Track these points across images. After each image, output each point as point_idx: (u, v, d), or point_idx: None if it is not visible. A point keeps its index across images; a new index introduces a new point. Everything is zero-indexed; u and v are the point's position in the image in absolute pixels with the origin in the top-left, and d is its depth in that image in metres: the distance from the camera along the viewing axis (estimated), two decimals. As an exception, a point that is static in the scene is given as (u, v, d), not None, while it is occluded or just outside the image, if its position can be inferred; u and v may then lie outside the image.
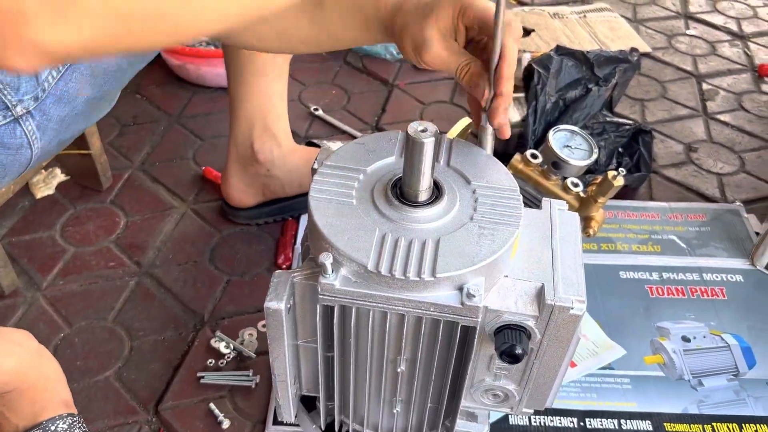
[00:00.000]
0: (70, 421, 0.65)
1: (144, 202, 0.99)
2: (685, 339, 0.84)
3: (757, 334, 0.85)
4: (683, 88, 1.29)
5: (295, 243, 0.94)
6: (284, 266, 0.90)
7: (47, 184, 1.00)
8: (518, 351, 0.51)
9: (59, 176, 1.02)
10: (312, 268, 0.53)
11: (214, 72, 1.16)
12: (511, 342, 0.51)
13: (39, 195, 0.99)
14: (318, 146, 1.02)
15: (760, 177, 1.09)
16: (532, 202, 0.82)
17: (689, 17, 1.51)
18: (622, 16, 1.48)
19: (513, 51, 0.55)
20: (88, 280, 0.89)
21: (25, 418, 0.64)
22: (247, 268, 0.91)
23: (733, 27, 1.48)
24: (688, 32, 1.46)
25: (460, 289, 0.49)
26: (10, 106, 0.60)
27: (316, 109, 1.18)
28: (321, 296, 0.50)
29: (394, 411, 0.60)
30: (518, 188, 0.55)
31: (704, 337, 0.84)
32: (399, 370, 0.55)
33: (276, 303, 0.51)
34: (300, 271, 0.53)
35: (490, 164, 0.57)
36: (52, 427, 0.64)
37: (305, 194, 0.93)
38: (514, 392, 0.59)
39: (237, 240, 0.94)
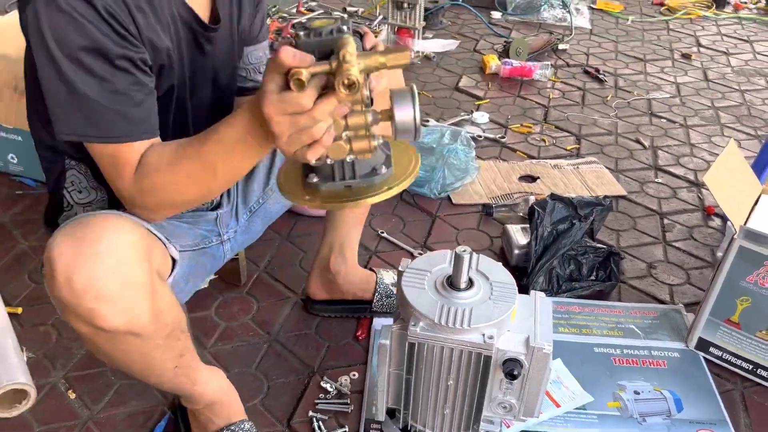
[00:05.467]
0: (250, 425, 1.08)
1: (269, 293, 1.46)
2: (636, 392, 1.24)
3: (685, 391, 1.24)
4: (649, 223, 1.75)
5: (369, 329, 1.36)
6: (361, 338, 1.34)
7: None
8: (515, 372, 0.94)
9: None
10: (401, 324, 0.98)
11: (313, 205, 1.66)
12: (511, 366, 0.94)
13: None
14: (372, 270, 1.45)
15: (700, 287, 1.52)
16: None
17: (658, 168, 2.00)
18: (606, 167, 1.97)
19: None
20: (236, 343, 1.34)
21: (223, 421, 1.07)
22: (340, 339, 1.35)
23: (691, 177, 1.96)
24: (656, 180, 1.94)
25: (483, 335, 0.93)
26: (222, 235, 1.10)
27: (382, 232, 1.66)
28: (409, 337, 0.94)
29: (444, 413, 1.01)
30: (515, 283, 1.00)
31: (649, 391, 1.24)
32: (449, 383, 0.98)
33: (384, 341, 0.95)
34: (395, 326, 0.97)
35: (500, 269, 1.03)
36: (242, 426, 1.06)
37: (360, 301, 1.41)
38: (515, 404, 1.00)
39: (332, 321, 1.39)
